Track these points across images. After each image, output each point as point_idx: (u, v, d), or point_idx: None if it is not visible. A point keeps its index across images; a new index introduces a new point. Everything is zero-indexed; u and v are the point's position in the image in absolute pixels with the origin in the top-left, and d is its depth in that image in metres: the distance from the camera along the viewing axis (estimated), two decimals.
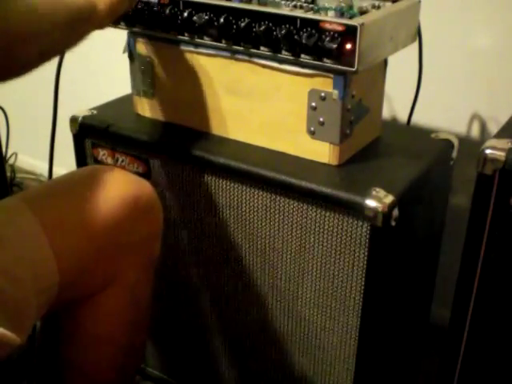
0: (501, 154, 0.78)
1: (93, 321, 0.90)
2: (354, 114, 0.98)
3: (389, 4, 0.97)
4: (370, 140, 1.07)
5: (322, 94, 0.94)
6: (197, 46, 1.03)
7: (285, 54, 0.93)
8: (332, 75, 0.92)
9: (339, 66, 0.88)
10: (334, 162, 0.98)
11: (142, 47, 1.11)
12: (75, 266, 0.83)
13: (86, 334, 0.91)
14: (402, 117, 1.37)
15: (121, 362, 0.96)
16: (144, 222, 0.91)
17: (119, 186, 0.91)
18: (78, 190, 0.88)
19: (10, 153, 2.06)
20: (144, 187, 0.93)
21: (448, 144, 1.10)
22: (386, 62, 1.04)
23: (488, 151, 0.79)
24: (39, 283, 0.77)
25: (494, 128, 1.28)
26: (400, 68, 1.12)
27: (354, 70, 0.87)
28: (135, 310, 0.94)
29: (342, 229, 0.93)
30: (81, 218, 0.84)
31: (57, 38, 0.80)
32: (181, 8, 1.00)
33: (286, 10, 0.95)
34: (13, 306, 0.73)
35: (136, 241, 0.90)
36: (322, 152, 0.98)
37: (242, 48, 0.97)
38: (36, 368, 0.97)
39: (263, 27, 0.92)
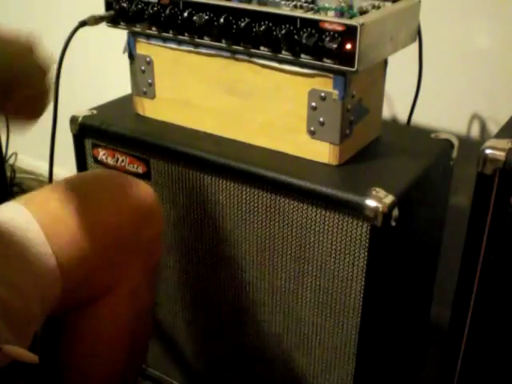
0: (501, 154, 0.78)
1: (94, 325, 0.90)
2: (354, 114, 0.98)
3: (389, 4, 0.97)
4: (370, 140, 1.07)
5: (322, 94, 0.94)
6: (197, 45, 1.03)
7: (285, 54, 0.93)
8: (332, 75, 0.92)
9: (339, 66, 0.88)
10: (334, 161, 0.98)
11: (142, 47, 1.11)
12: (77, 273, 0.82)
13: (87, 339, 0.91)
14: (402, 117, 1.37)
15: (122, 367, 0.95)
16: (146, 226, 0.91)
17: (121, 190, 0.90)
18: (79, 195, 0.87)
19: (9, 153, 2.06)
20: (145, 191, 0.93)
21: (448, 144, 1.10)
22: (386, 62, 1.04)
23: (488, 151, 0.79)
24: (43, 291, 0.77)
25: (494, 128, 1.28)
26: (400, 68, 1.12)
27: (354, 70, 0.87)
28: (137, 315, 0.94)
29: (341, 229, 0.93)
30: (84, 225, 0.84)
31: None
32: (181, 8, 1.00)
33: (286, 10, 0.95)
34: (17, 316, 0.73)
35: (138, 245, 0.90)
36: (322, 152, 0.98)
37: (242, 48, 0.97)
38: (37, 372, 0.97)
39: (263, 27, 0.92)
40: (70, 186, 0.89)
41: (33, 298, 0.75)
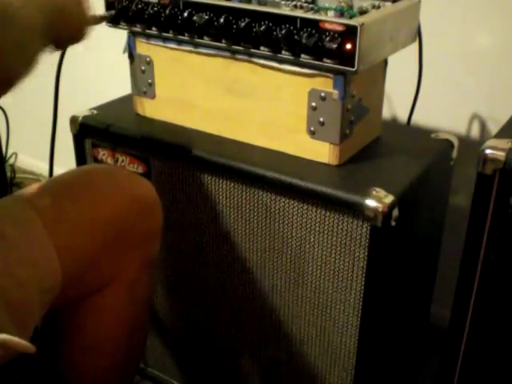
0: (501, 154, 0.78)
1: (92, 320, 0.90)
2: (354, 114, 0.98)
3: (389, 4, 0.97)
4: (370, 140, 1.07)
5: (322, 94, 0.94)
6: (197, 45, 1.03)
7: (285, 54, 0.93)
8: (332, 75, 0.92)
9: (339, 66, 0.88)
10: (334, 161, 0.98)
11: (142, 47, 1.11)
12: (77, 265, 0.83)
13: (86, 332, 0.91)
14: (402, 117, 1.37)
15: (120, 361, 0.96)
16: (144, 221, 0.91)
17: (120, 185, 0.91)
18: (79, 188, 0.88)
19: (10, 153, 2.06)
20: (144, 186, 0.93)
21: (448, 144, 1.10)
22: (386, 62, 1.04)
23: (488, 151, 0.79)
24: (42, 283, 0.77)
25: (494, 128, 1.28)
26: (400, 68, 1.12)
27: (354, 70, 0.87)
28: (134, 309, 0.94)
29: (341, 229, 0.93)
30: (83, 217, 0.85)
31: None
32: (181, 8, 1.00)
33: (286, 10, 0.95)
34: (17, 307, 0.73)
35: (136, 239, 0.90)
36: (322, 152, 0.98)
37: (242, 48, 0.97)
38: (36, 368, 0.97)
39: (263, 27, 0.92)
40: (70, 179, 0.90)
41: (32, 289, 0.76)
